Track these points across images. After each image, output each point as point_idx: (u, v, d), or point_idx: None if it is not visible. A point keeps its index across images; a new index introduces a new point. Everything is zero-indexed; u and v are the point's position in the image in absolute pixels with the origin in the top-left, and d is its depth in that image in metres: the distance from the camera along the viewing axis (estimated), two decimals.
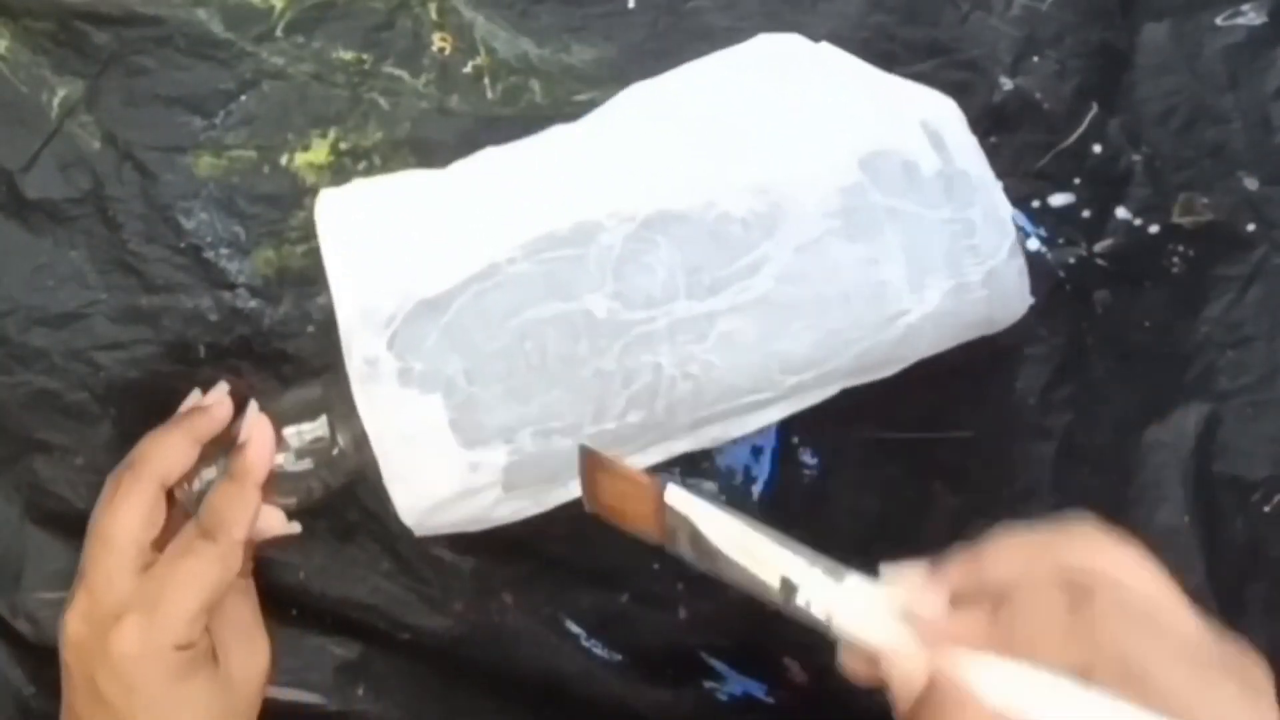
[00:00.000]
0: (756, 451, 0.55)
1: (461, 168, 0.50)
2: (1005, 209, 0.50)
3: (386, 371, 0.46)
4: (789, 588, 0.38)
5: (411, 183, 0.49)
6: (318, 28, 0.55)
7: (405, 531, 0.55)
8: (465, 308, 0.46)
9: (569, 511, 0.55)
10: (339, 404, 0.47)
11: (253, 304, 0.55)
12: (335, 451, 0.48)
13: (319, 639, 0.56)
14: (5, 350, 0.56)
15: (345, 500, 0.55)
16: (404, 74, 0.55)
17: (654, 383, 0.47)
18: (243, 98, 0.55)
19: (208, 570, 0.45)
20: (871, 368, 0.50)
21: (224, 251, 0.55)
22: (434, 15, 0.55)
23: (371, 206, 0.48)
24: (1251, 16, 0.53)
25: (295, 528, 0.49)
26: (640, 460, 0.50)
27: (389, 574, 0.56)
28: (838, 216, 0.48)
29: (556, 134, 0.51)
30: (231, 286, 0.55)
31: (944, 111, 0.51)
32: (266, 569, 0.55)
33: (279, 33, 0.55)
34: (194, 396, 0.50)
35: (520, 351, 0.46)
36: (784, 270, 0.47)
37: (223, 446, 0.47)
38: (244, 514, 0.46)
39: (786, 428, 0.55)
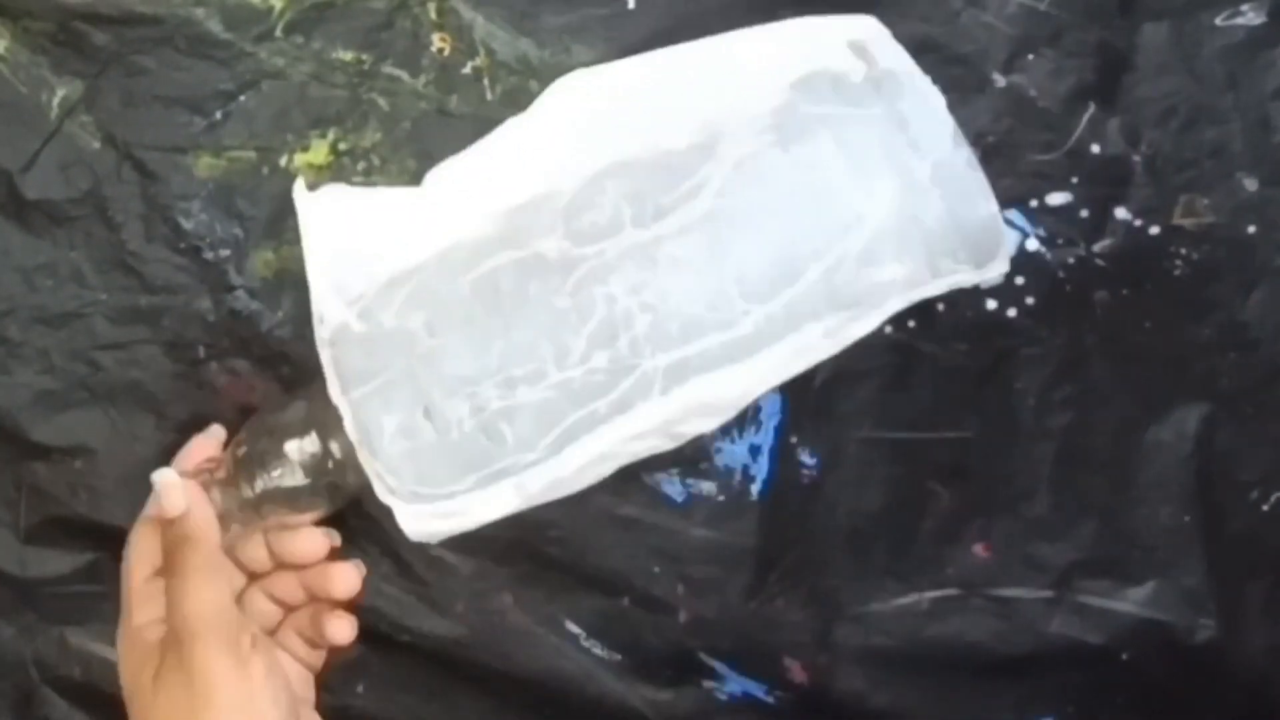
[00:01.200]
0: (755, 451, 0.55)
1: (432, 177, 0.51)
2: (937, 100, 0.51)
3: (354, 336, 0.47)
4: None
5: (385, 195, 0.51)
6: (317, 28, 0.55)
7: (405, 535, 0.55)
8: (429, 269, 0.48)
9: (569, 514, 0.55)
10: (325, 419, 0.47)
11: (252, 305, 0.55)
12: (330, 465, 0.47)
13: None
14: (5, 350, 0.56)
15: (345, 505, 0.55)
16: (403, 74, 0.55)
17: (610, 317, 0.47)
18: (242, 98, 0.55)
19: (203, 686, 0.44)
20: (850, 301, 0.49)
21: (223, 253, 0.55)
22: (433, 16, 0.55)
23: (348, 204, 0.51)
24: (1251, 17, 0.53)
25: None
26: (626, 427, 0.48)
27: (389, 576, 0.56)
28: (771, 131, 0.49)
29: (510, 126, 0.52)
30: (231, 288, 0.55)
31: (868, 28, 0.53)
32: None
33: (278, 33, 0.55)
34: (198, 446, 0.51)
35: (477, 299, 0.47)
36: (724, 186, 0.49)
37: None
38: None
39: (785, 427, 0.55)
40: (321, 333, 0.47)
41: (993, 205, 0.50)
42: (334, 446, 0.47)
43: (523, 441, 0.47)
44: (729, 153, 0.49)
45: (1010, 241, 0.55)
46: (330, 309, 0.48)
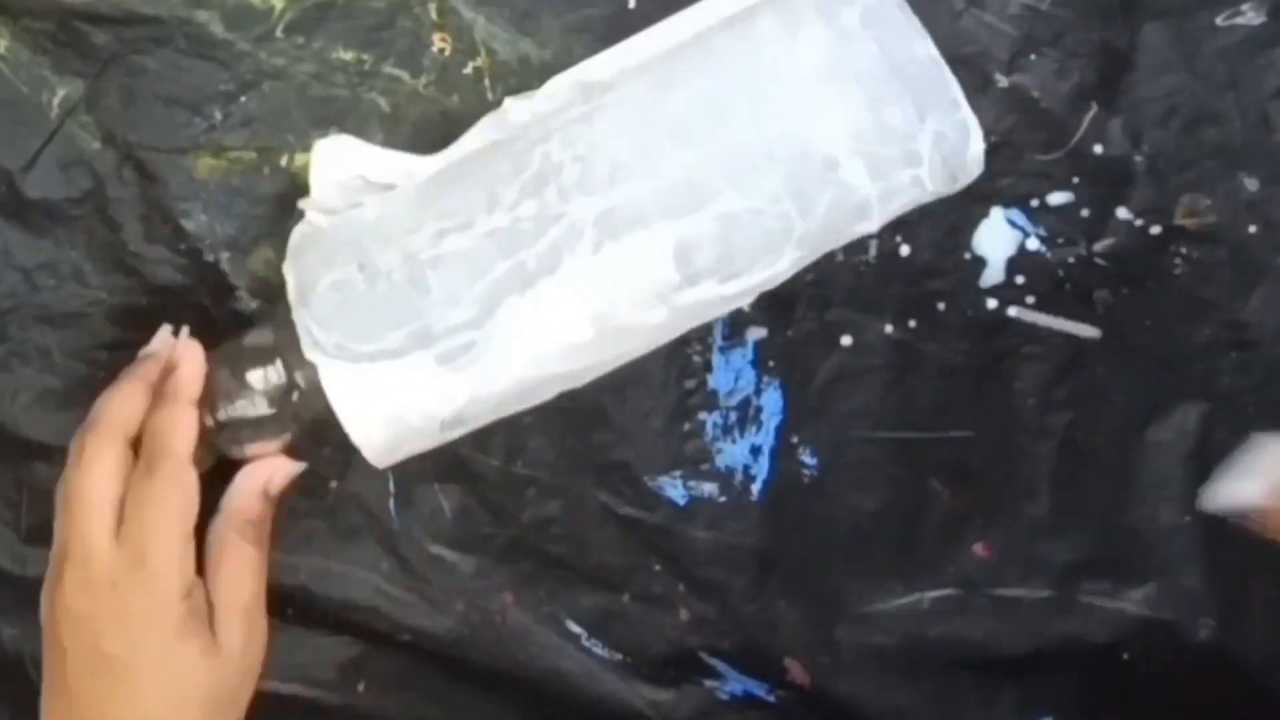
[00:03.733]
0: (756, 451, 0.55)
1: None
2: None
3: (316, 229, 0.48)
4: None
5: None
6: (318, 28, 0.55)
7: (406, 532, 0.56)
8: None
9: (570, 513, 0.55)
10: (292, 347, 0.46)
11: (253, 306, 0.55)
12: (295, 395, 0.47)
13: (320, 639, 0.56)
14: (6, 349, 0.56)
15: (345, 501, 0.55)
16: (404, 74, 0.55)
17: (542, 170, 0.46)
18: (243, 98, 0.55)
19: (168, 497, 0.45)
20: (786, 151, 0.46)
21: (224, 254, 0.55)
22: (434, 16, 0.55)
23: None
24: (1251, 16, 0.53)
25: (299, 466, 0.50)
26: (557, 293, 0.46)
27: (390, 575, 0.56)
28: None
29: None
30: (231, 288, 0.55)
31: None
32: (268, 571, 0.55)
33: (279, 33, 0.55)
34: (159, 337, 0.51)
35: (430, 178, 0.49)
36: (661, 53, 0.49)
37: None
38: (182, 432, 0.46)
39: (785, 427, 0.55)
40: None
41: (929, 47, 0.47)
42: (299, 376, 0.47)
43: (449, 294, 0.45)
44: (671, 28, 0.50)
45: (1011, 238, 0.55)
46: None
